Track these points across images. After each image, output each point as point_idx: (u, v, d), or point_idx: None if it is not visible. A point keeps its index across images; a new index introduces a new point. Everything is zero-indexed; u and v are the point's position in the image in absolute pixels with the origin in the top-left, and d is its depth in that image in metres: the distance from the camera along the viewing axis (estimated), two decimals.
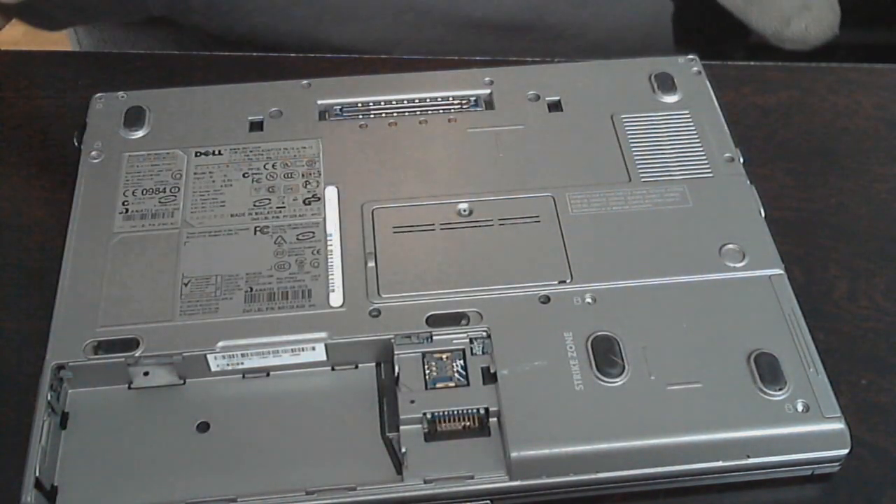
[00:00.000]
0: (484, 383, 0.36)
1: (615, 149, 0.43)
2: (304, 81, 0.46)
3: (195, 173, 0.42)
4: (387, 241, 0.39)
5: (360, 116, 0.45)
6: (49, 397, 0.35)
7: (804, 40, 0.53)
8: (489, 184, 0.42)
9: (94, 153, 0.43)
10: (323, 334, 0.37)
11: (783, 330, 0.37)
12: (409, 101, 0.45)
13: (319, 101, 0.45)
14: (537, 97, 0.45)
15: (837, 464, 0.35)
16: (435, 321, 0.37)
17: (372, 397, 0.36)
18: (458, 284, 0.38)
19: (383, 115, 0.45)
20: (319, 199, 0.41)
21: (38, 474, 0.33)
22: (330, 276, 0.38)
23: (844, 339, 0.40)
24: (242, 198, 0.41)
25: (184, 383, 0.37)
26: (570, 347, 0.36)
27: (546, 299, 0.38)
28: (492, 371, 0.36)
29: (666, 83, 0.45)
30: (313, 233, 0.40)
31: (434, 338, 0.37)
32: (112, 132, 0.44)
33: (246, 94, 0.45)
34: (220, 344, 0.36)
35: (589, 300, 0.38)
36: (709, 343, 0.36)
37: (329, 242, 0.40)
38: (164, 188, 0.41)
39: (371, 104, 0.45)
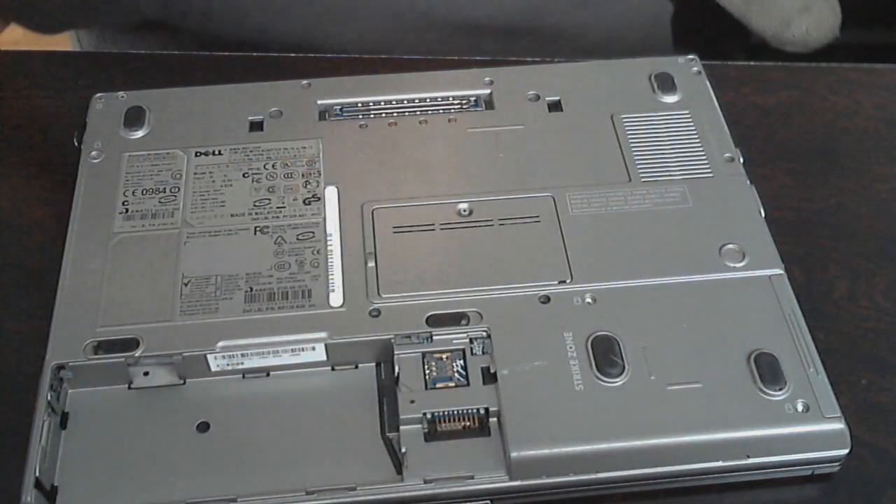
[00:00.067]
0: (484, 383, 0.36)
1: (615, 149, 0.43)
2: (304, 81, 0.46)
3: (195, 173, 0.42)
4: (387, 241, 0.40)
5: (360, 116, 0.45)
6: (49, 397, 0.35)
7: (804, 42, 0.53)
8: (489, 184, 0.42)
9: (94, 153, 0.43)
10: (323, 334, 0.37)
11: (783, 330, 0.37)
12: (409, 101, 0.45)
13: (319, 101, 0.45)
14: (537, 97, 0.45)
15: (837, 464, 0.35)
16: (435, 321, 0.37)
17: (372, 397, 0.36)
18: (458, 284, 0.38)
19: (383, 115, 0.45)
20: (319, 199, 0.41)
21: (38, 474, 0.33)
22: (330, 276, 0.38)
23: (844, 339, 0.40)
24: (242, 198, 0.41)
25: (184, 383, 0.37)
26: (570, 347, 0.36)
27: (546, 299, 0.38)
28: (492, 371, 0.36)
29: (666, 83, 0.45)
30: (313, 233, 0.40)
31: (434, 338, 0.37)
32: (112, 132, 0.44)
33: (246, 94, 0.45)
34: (220, 344, 0.36)
35: (589, 300, 0.38)
36: (709, 343, 0.36)
37: (329, 242, 0.40)
38: (164, 188, 0.41)
39: (371, 104, 0.45)
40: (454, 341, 0.37)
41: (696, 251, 0.39)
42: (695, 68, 0.46)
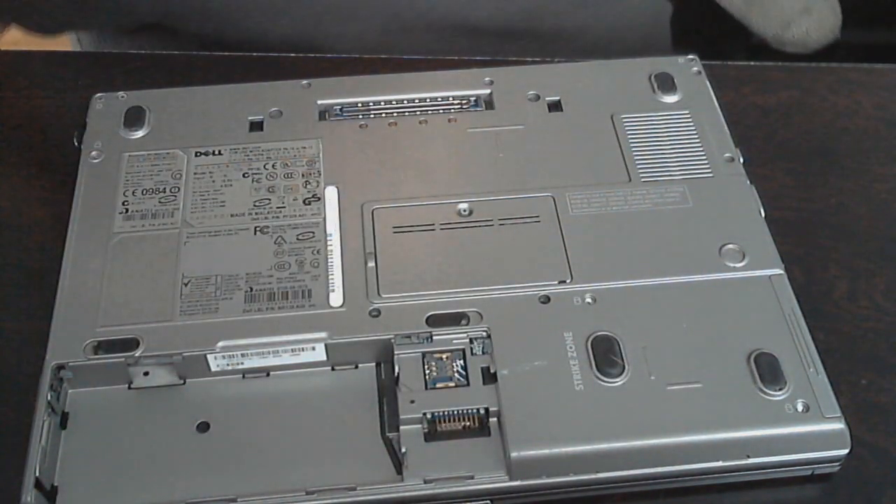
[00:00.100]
0: (484, 383, 0.36)
1: (615, 149, 0.43)
2: (304, 81, 0.46)
3: (195, 173, 0.42)
4: (387, 241, 0.40)
5: (360, 116, 0.45)
6: (49, 397, 0.35)
7: (805, 43, 0.53)
8: (489, 184, 0.42)
9: (94, 153, 0.43)
10: (323, 334, 0.37)
11: (783, 330, 0.37)
12: (409, 101, 0.45)
13: (319, 101, 0.45)
14: (537, 97, 0.45)
15: (837, 464, 0.35)
16: (435, 321, 0.37)
17: (372, 397, 0.36)
18: (458, 284, 0.38)
19: (383, 115, 0.45)
20: (319, 199, 0.41)
21: (38, 474, 0.33)
22: (330, 276, 0.38)
23: (844, 339, 0.40)
24: (242, 198, 0.41)
25: (184, 383, 0.37)
26: (570, 347, 0.36)
27: (546, 299, 0.38)
28: (492, 371, 0.36)
29: (666, 83, 0.45)
30: (313, 233, 0.40)
31: (434, 338, 0.37)
32: (112, 132, 0.44)
33: (246, 94, 0.45)
34: (220, 344, 0.36)
35: (589, 300, 0.38)
36: (709, 343, 0.36)
37: (329, 242, 0.40)
38: (164, 188, 0.41)
39: (371, 104, 0.45)
40: (454, 341, 0.37)
41: (696, 251, 0.39)
42: (695, 68, 0.46)
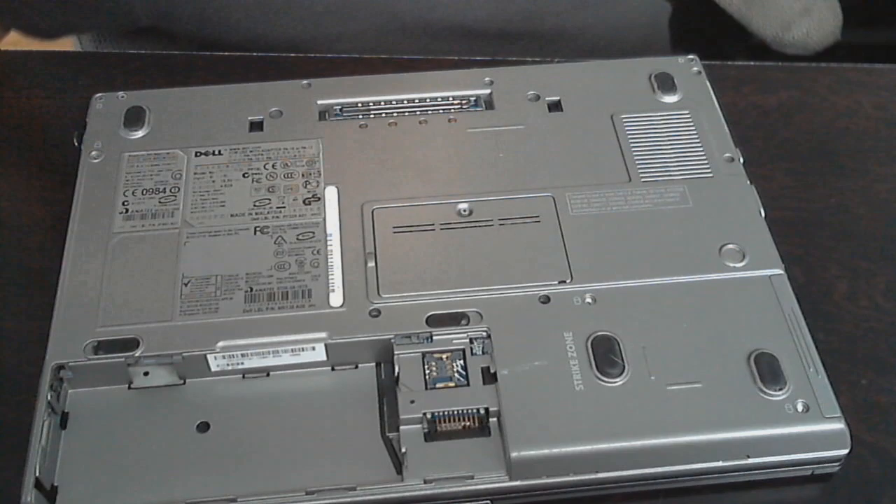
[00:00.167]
0: (484, 383, 0.36)
1: (615, 149, 0.43)
2: (304, 81, 0.46)
3: (195, 173, 0.42)
4: (387, 241, 0.40)
5: (360, 116, 0.45)
6: (49, 397, 0.35)
7: (805, 45, 0.53)
8: (489, 184, 0.42)
9: (94, 153, 0.43)
10: (323, 334, 0.37)
11: (783, 330, 0.37)
12: (409, 101, 0.45)
13: (319, 101, 0.45)
14: (537, 97, 0.45)
15: (837, 464, 0.35)
16: (435, 321, 0.37)
17: (372, 397, 0.36)
18: (458, 284, 0.38)
19: (383, 115, 0.45)
20: (319, 199, 0.41)
21: (38, 474, 0.33)
22: (330, 276, 0.38)
23: (844, 339, 0.40)
24: (242, 198, 0.41)
25: (184, 383, 0.37)
26: (570, 347, 0.36)
27: (546, 299, 0.38)
28: (492, 371, 0.36)
29: (666, 83, 0.45)
30: (313, 233, 0.40)
31: (434, 338, 0.37)
32: (112, 132, 0.44)
33: (246, 94, 0.45)
34: (220, 344, 0.36)
35: (589, 300, 0.38)
36: (709, 343, 0.36)
37: (329, 242, 0.40)
38: (164, 188, 0.41)
39: (371, 104, 0.45)
40: (454, 341, 0.37)
41: (696, 251, 0.39)
42: (695, 68, 0.46)
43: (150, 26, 0.57)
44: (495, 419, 0.35)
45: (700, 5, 0.55)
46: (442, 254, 0.39)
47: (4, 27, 0.57)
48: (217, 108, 0.45)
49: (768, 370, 0.35)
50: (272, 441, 0.35)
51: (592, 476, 0.34)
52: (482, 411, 0.35)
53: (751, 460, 0.35)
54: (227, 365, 0.37)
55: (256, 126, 0.44)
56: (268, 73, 0.49)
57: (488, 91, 0.45)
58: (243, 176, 0.42)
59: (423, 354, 0.36)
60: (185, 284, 0.38)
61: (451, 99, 0.45)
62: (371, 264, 0.39)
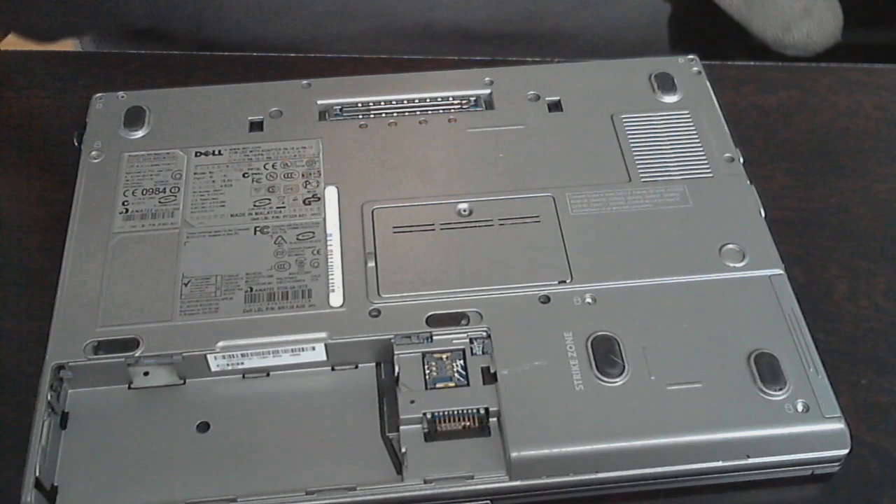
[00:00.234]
0: (484, 383, 0.36)
1: (615, 149, 0.43)
2: (304, 81, 0.46)
3: (195, 173, 0.42)
4: (387, 241, 0.40)
5: (360, 116, 0.45)
6: (49, 397, 0.35)
7: (806, 47, 0.53)
8: (489, 184, 0.42)
9: (94, 153, 0.43)
10: (323, 334, 0.37)
11: (783, 330, 0.37)
12: (409, 101, 0.45)
13: (319, 101, 0.45)
14: (537, 97, 0.45)
15: (837, 464, 0.35)
16: (435, 321, 0.37)
17: (372, 397, 0.36)
18: (458, 284, 0.38)
19: (383, 115, 0.45)
20: (319, 199, 0.41)
21: (38, 474, 0.33)
22: (330, 276, 0.38)
23: (844, 339, 0.40)
24: (242, 198, 0.41)
25: (184, 383, 0.37)
26: (570, 347, 0.36)
27: (546, 299, 0.38)
28: (492, 371, 0.36)
29: (666, 83, 0.45)
30: (313, 233, 0.40)
31: (434, 338, 0.37)
32: (112, 132, 0.44)
33: (246, 94, 0.45)
34: (220, 344, 0.36)
35: (589, 300, 0.38)
36: (709, 343, 0.36)
37: (329, 242, 0.40)
38: (164, 188, 0.41)
39: (371, 104, 0.45)
40: (454, 341, 0.37)
41: (696, 251, 0.39)
42: (695, 68, 0.46)
43: (149, 28, 0.57)
44: (495, 419, 0.35)
45: (700, 5, 0.55)
46: (442, 254, 0.39)
47: (3, 30, 0.57)
48: (217, 108, 0.45)
49: (768, 370, 0.35)
50: (272, 441, 0.35)
51: (592, 476, 0.34)
52: (482, 411, 0.35)
53: (751, 460, 0.35)
54: (227, 365, 0.37)
55: (256, 126, 0.44)
56: (268, 73, 0.49)
57: (488, 91, 0.45)
58: (243, 176, 0.42)
59: (423, 354, 0.36)
60: (185, 284, 0.38)
61: (451, 99, 0.45)
62: (371, 264, 0.39)
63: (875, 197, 0.45)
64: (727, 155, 0.43)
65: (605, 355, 0.36)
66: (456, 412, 0.35)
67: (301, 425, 0.36)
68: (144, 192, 0.41)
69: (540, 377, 0.35)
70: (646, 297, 0.38)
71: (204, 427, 0.36)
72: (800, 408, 0.35)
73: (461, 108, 0.45)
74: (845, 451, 0.35)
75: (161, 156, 0.43)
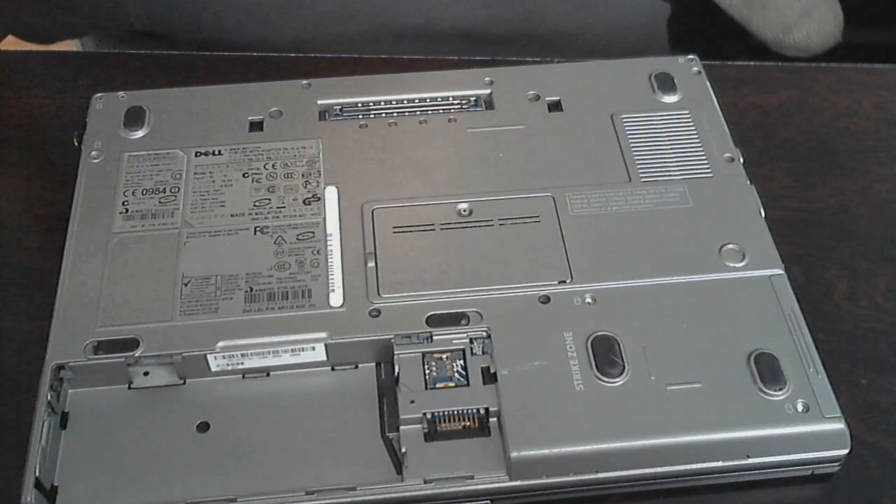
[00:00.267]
0: (484, 383, 0.36)
1: (615, 149, 0.43)
2: (304, 81, 0.46)
3: (195, 173, 0.42)
4: (387, 241, 0.40)
5: (360, 116, 0.45)
6: (49, 397, 0.35)
7: (806, 48, 0.53)
8: (489, 184, 0.42)
9: (94, 153, 0.43)
10: (323, 334, 0.37)
11: (783, 330, 0.37)
12: (409, 101, 0.45)
13: (319, 101, 0.45)
14: (537, 97, 0.45)
15: (837, 464, 0.35)
16: (435, 321, 0.37)
17: (372, 397, 0.36)
18: (458, 284, 0.38)
19: (383, 115, 0.45)
20: (319, 199, 0.41)
21: (38, 474, 0.33)
22: (330, 276, 0.38)
23: (844, 339, 0.40)
24: (242, 198, 0.41)
25: (184, 383, 0.37)
26: (570, 347, 0.36)
27: (546, 299, 0.38)
28: (492, 371, 0.36)
29: (666, 83, 0.45)
30: (313, 233, 0.40)
31: (434, 338, 0.37)
32: (112, 132, 0.44)
33: (246, 94, 0.45)
34: (220, 344, 0.36)
35: (589, 300, 0.38)
36: (709, 343, 0.36)
37: (329, 242, 0.40)
38: (164, 188, 0.41)
39: (371, 104, 0.45)
40: (454, 341, 0.37)
41: (696, 251, 0.39)
42: (695, 68, 0.46)
43: (148, 29, 0.57)
44: (495, 419, 0.35)
45: (700, 5, 0.55)
46: (442, 254, 0.39)
47: (2, 31, 0.57)
48: (217, 108, 0.45)
49: (768, 370, 0.35)
50: (272, 441, 0.35)
51: (592, 476, 0.34)
52: (482, 411, 0.35)
53: (751, 460, 0.35)
54: (227, 365, 0.37)
55: (256, 126, 0.44)
56: (268, 73, 0.49)
57: (488, 91, 0.45)
58: (243, 176, 0.42)
59: (423, 354, 0.36)
60: (185, 284, 0.38)
61: (451, 99, 0.45)
62: (371, 264, 0.39)
63: (875, 197, 0.45)
64: (727, 155, 0.43)
65: (605, 355, 0.36)
66: (456, 412, 0.35)
67: (301, 425, 0.36)
68: (144, 192, 0.41)
69: (540, 377, 0.35)
70: (646, 297, 0.38)
71: (204, 427, 0.36)
72: (800, 408, 0.35)
73: (461, 108, 0.45)
74: (845, 451, 0.35)
75: (161, 156, 0.43)
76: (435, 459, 0.34)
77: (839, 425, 0.35)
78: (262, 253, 0.39)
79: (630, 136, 0.43)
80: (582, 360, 0.36)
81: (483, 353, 0.36)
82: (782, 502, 0.36)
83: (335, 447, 0.35)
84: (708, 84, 0.45)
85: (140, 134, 0.44)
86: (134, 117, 0.44)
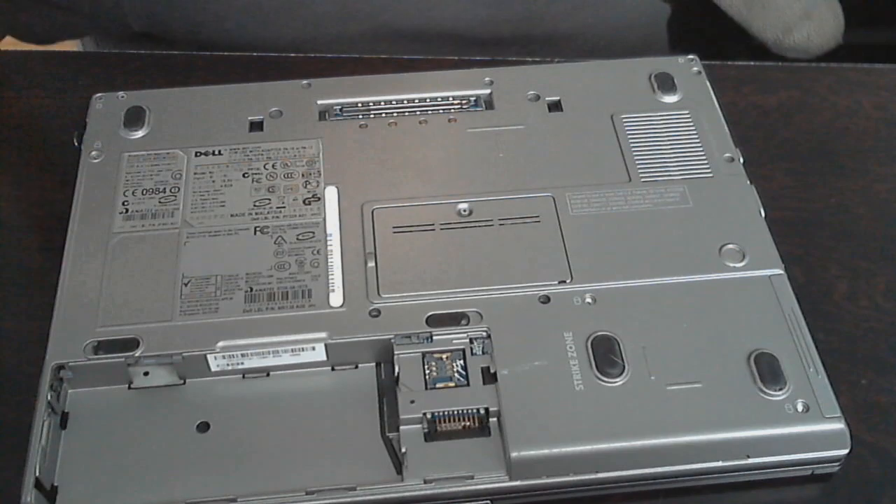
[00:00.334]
0: (484, 383, 0.36)
1: (615, 149, 0.43)
2: (304, 81, 0.46)
3: (195, 173, 0.42)
4: (387, 241, 0.39)
5: (360, 116, 0.45)
6: (49, 397, 0.35)
7: (806, 49, 0.53)
8: (489, 184, 0.42)
9: (94, 153, 0.43)
10: (323, 334, 0.37)
11: (783, 330, 0.37)
12: (409, 101, 0.45)
13: (319, 101, 0.45)
14: (537, 97, 0.45)
15: (837, 464, 0.35)
16: (435, 321, 0.37)
17: (372, 397, 0.36)
18: (458, 284, 0.38)
19: (383, 115, 0.45)
20: (319, 199, 0.41)
21: (38, 474, 0.33)
22: (330, 276, 0.38)
23: (844, 339, 0.40)
24: (242, 198, 0.41)
25: (184, 383, 0.37)
26: (570, 347, 0.36)
27: (546, 299, 0.38)
28: (492, 371, 0.36)
29: (666, 83, 0.45)
30: (313, 233, 0.40)
31: (434, 338, 0.37)
32: (112, 132, 0.44)
33: (246, 94, 0.45)
34: (220, 344, 0.36)
35: (589, 300, 0.38)
36: (709, 343, 0.36)
37: (329, 242, 0.40)
38: (164, 188, 0.41)
39: (371, 104, 0.45)
40: (454, 341, 0.37)
41: (696, 251, 0.39)
42: (695, 68, 0.46)
43: (148, 30, 0.57)
44: (495, 419, 0.35)
45: (700, 5, 0.55)
46: (442, 254, 0.39)
47: (0, 32, 0.57)
48: (217, 108, 0.45)
49: (768, 370, 0.35)
50: (272, 441, 0.35)
51: (592, 476, 0.34)
52: (482, 411, 0.35)
53: (751, 460, 0.35)
54: (227, 365, 0.37)
55: (256, 126, 0.44)
56: (268, 73, 0.49)
57: (488, 91, 0.45)
58: (243, 176, 0.42)
59: (423, 354, 0.36)
60: (185, 284, 0.38)
61: (451, 99, 0.45)
62: (371, 264, 0.39)
63: (875, 197, 0.45)
64: (727, 155, 0.43)
65: (605, 355, 0.36)
66: (456, 412, 0.35)
67: (301, 425, 0.36)
68: (144, 192, 0.41)
69: (540, 377, 0.35)
70: (646, 297, 0.38)
71: (204, 427, 0.36)
72: (800, 408, 0.35)
73: (461, 108, 0.45)
74: (845, 451, 0.35)
75: (161, 156, 0.43)
76: (435, 459, 0.34)
77: (839, 425, 0.35)
78: (262, 253, 0.39)
79: (630, 136, 0.43)
80: (582, 360, 0.36)
81: (483, 353, 0.36)
82: (782, 502, 0.36)
83: (335, 447, 0.35)
84: (708, 84, 0.45)
85: (140, 134, 0.44)
86: (134, 117, 0.44)
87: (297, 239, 0.40)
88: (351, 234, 0.40)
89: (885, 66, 0.51)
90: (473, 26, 0.56)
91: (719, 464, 0.35)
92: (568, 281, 0.38)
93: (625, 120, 0.44)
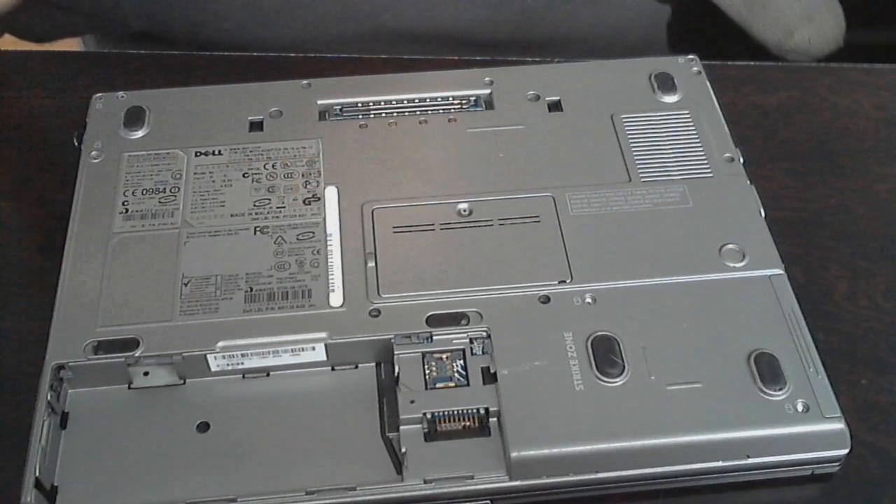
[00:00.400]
0: (484, 383, 0.36)
1: (615, 149, 0.43)
2: (304, 81, 0.46)
3: (195, 173, 0.42)
4: (387, 241, 0.39)
5: (360, 116, 0.45)
6: (49, 397, 0.35)
7: (807, 52, 0.53)
8: (489, 184, 0.42)
9: (94, 153, 0.43)
10: (323, 334, 0.37)
11: (783, 330, 0.37)
12: (409, 101, 0.45)
13: (319, 101, 0.45)
14: (537, 97, 0.45)
15: (837, 464, 0.35)
16: (435, 321, 0.37)
17: (372, 397, 0.36)
18: (458, 284, 0.38)
19: (383, 115, 0.45)
20: (319, 199, 0.41)
21: (38, 474, 0.33)
22: (330, 276, 0.38)
23: (844, 339, 0.40)
24: (242, 198, 0.41)
25: (184, 383, 0.37)
26: (570, 347, 0.36)
27: (546, 299, 0.38)
28: (492, 371, 0.36)
29: (666, 83, 0.45)
30: (313, 233, 0.40)
31: (434, 338, 0.37)
32: (112, 132, 0.44)
33: (246, 94, 0.45)
34: (220, 344, 0.36)
35: (589, 300, 0.38)
36: (709, 343, 0.36)
37: (329, 242, 0.40)
38: (164, 188, 0.41)
39: (371, 104, 0.45)
40: (454, 341, 0.37)
41: (696, 251, 0.39)
42: (695, 68, 0.46)
43: (147, 31, 0.57)
44: (495, 419, 0.35)
45: (700, 6, 0.55)
46: (442, 254, 0.39)
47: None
48: (217, 108, 0.45)
49: (768, 370, 0.35)
50: (272, 441, 0.35)
51: (592, 476, 0.34)
52: (482, 411, 0.35)
53: (751, 460, 0.35)
54: (227, 365, 0.37)
55: (256, 126, 0.44)
56: (268, 73, 0.49)
57: (488, 91, 0.45)
58: (243, 176, 0.42)
59: (423, 354, 0.36)
60: (185, 284, 0.38)
61: (450, 99, 0.45)
62: (371, 264, 0.39)
63: (875, 197, 0.45)
64: (727, 155, 0.43)
65: (605, 355, 0.36)
66: (456, 412, 0.35)
67: (301, 425, 0.36)
68: (144, 192, 0.41)
69: (540, 377, 0.35)
70: (646, 297, 0.38)
71: (204, 427, 0.36)
72: (800, 408, 0.35)
73: (461, 108, 0.45)
74: (845, 451, 0.35)
75: (161, 156, 0.43)
76: (435, 459, 0.34)
77: (839, 425, 0.35)
78: (262, 253, 0.39)
79: (630, 136, 0.43)
80: (582, 360, 0.36)
81: (483, 353, 0.36)
82: (782, 502, 0.36)
83: (335, 447, 0.35)
84: (708, 84, 0.46)
85: (140, 134, 0.44)
86: (134, 117, 0.44)
87: (297, 239, 0.40)
88: (351, 234, 0.40)
89: (885, 66, 0.51)
90: (473, 27, 0.56)
91: (719, 464, 0.35)
92: (568, 281, 0.38)
93: (625, 120, 0.44)
